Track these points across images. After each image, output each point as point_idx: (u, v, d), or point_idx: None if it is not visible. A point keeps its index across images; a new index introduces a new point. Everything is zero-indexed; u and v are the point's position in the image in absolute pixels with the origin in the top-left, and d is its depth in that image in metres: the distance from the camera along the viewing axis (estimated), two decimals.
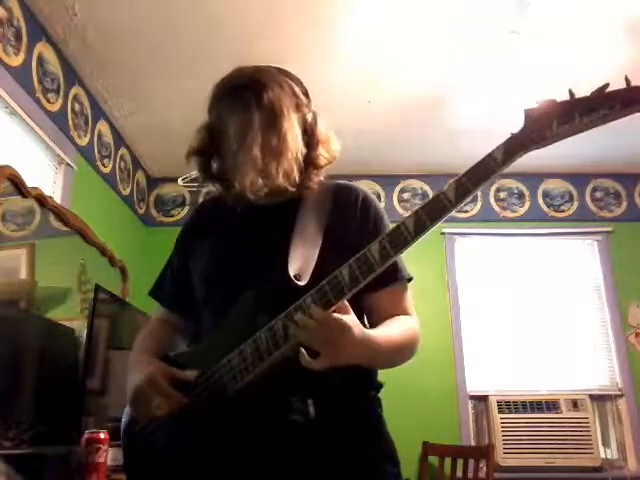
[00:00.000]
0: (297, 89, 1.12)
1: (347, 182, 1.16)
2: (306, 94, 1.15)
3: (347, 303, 0.87)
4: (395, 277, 1.03)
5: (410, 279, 1.08)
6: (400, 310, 1.04)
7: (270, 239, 1.04)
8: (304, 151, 1.07)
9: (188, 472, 0.96)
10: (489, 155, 0.85)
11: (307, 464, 0.93)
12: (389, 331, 0.98)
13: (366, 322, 1.05)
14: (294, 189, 1.06)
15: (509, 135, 0.86)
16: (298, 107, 1.10)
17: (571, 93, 0.82)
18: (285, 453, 0.92)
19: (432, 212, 0.84)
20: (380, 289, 1.01)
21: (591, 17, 2.40)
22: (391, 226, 1.07)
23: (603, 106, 0.78)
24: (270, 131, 1.04)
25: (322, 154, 1.10)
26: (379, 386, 1.07)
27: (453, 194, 0.84)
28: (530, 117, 0.85)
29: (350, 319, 0.85)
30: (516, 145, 0.84)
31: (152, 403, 0.94)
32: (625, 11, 2.37)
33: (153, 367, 1.00)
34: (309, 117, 1.11)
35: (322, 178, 1.14)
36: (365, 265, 0.85)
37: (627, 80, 0.78)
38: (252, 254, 1.04)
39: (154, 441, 1.00)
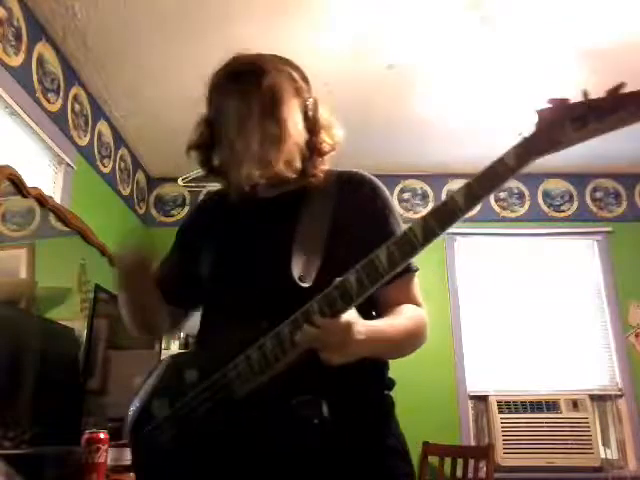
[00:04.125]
0: (295, 74, 1.10)
1: (356, 170, 1.13)
2: (305, 80, 1.12)
3: None
4: (404, 269, 1.01)
5: (417, 270, 1.07)
6: (408, 300, 1.04)
7: (273, 236, 1.02)
8: (306, 137, 1.05)
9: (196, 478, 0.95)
10: (500, 160, 0.80)
11: (322, 463, 0.91)
12: (394, 320, 0.97)
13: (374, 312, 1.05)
14: (296, 176, 1.03)
15: (521, 139, 0.79)
16: (298, 92, 1.07)
17: (585, 93, 0.76)
18: (299, 454, 0.90)
19: (441, 218, 0.81)
20: (389, 282, 0.99)
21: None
22: (400, 219, 1.07)
23: (618, 109, 0.72)
24: (270, 118, 1.01)
25: (325, 140, 1.08)
26: (391, 384, 1.06)
27: (463, 200, 0.79)
28: (543, 120, 0.78)
29: (351, 316, 0.84)
30: (529, 150, 0.78)
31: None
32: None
33: None
34: (310, 103, 1.08)
35: (327, 167, 1.11)
36: (373, 272, 0.83)
37: None
38: (255, 252, 1.02)
39: (161, 446, 0.98)
